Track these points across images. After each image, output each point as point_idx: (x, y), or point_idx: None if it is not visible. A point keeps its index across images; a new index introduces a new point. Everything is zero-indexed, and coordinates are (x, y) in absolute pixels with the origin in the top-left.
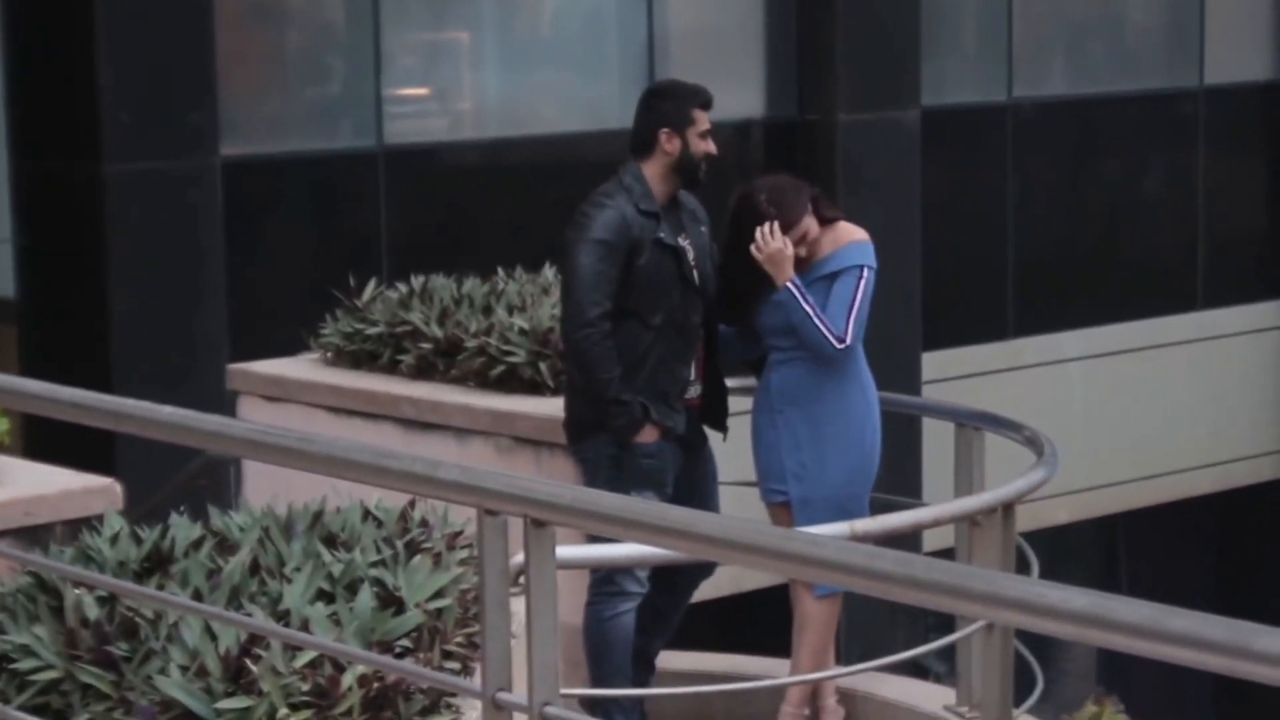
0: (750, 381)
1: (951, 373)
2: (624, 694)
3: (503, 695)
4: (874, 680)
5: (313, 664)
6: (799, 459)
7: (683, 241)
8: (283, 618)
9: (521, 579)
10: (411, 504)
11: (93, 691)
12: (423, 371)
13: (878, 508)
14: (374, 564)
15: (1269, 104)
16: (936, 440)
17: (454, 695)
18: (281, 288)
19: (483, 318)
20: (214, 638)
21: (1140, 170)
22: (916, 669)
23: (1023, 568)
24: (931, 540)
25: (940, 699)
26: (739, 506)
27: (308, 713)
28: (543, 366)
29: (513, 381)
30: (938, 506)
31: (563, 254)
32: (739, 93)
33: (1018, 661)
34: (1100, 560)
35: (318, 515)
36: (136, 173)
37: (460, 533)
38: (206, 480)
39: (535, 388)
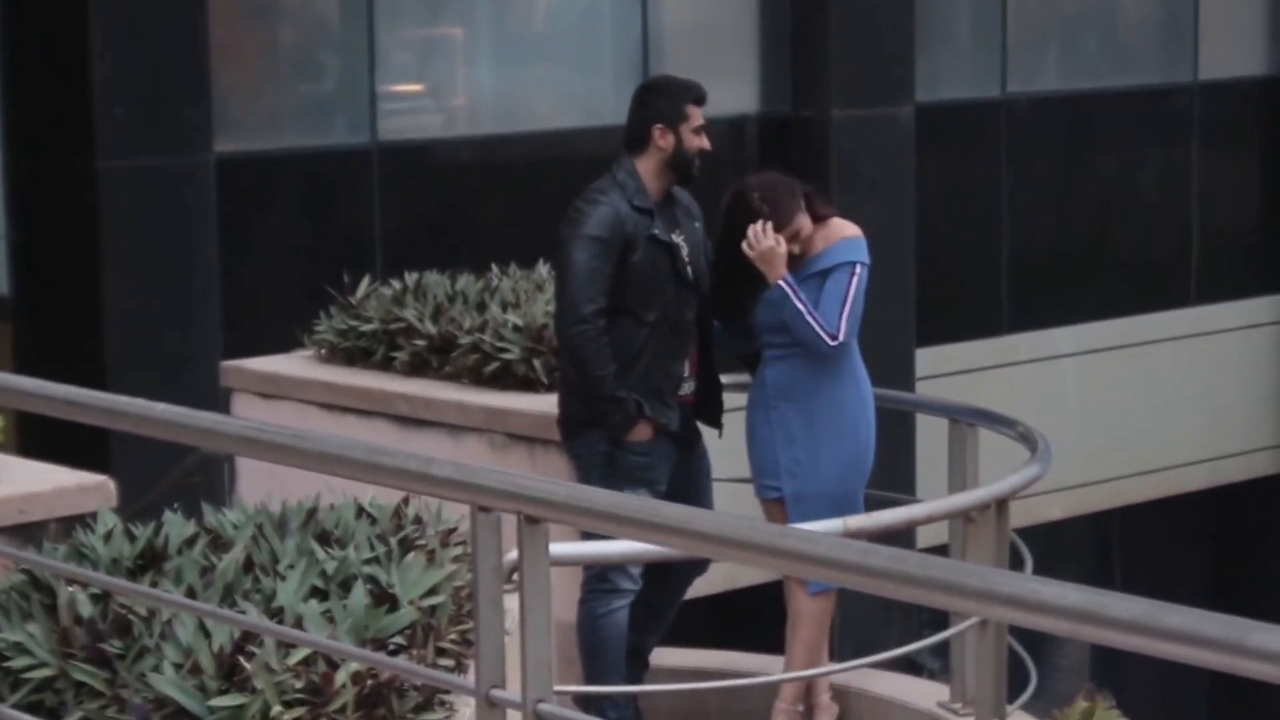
0: (744, 378)
1: (945, 369)
2: (618, 691)
3: (496, 692)
4: (868, 677)
5: (306, 661)
6: (793, 455)
7: (677, 238)
8: (276, 615)
9: (515, 576)
10: (405, 501)
11: (86, 689)
12: (417, 368)
13: (871, 504)
14: (368, 561)
15: (1263, 99)
16: (930, 436)
17: (448, 692)
18: (275, 284)
19: (477, 314)
20: (207, 635)
21: (1134, 166)
22: (910, 665)
23: (1016, 564)
24: (925, 537)
25: (934, 695)
26: (733, 503)
27: (301, 710)
28: (537, 363)
29: (507, 378)
30: (931, 503)
31: (557, 250)
32: (733, 88)
33: (1011, 658)
34: (1094, 556)
35: (311, 512)
36: (131, 169)
37: (454, 530)
38: (200, 477)
39: (529, 384)
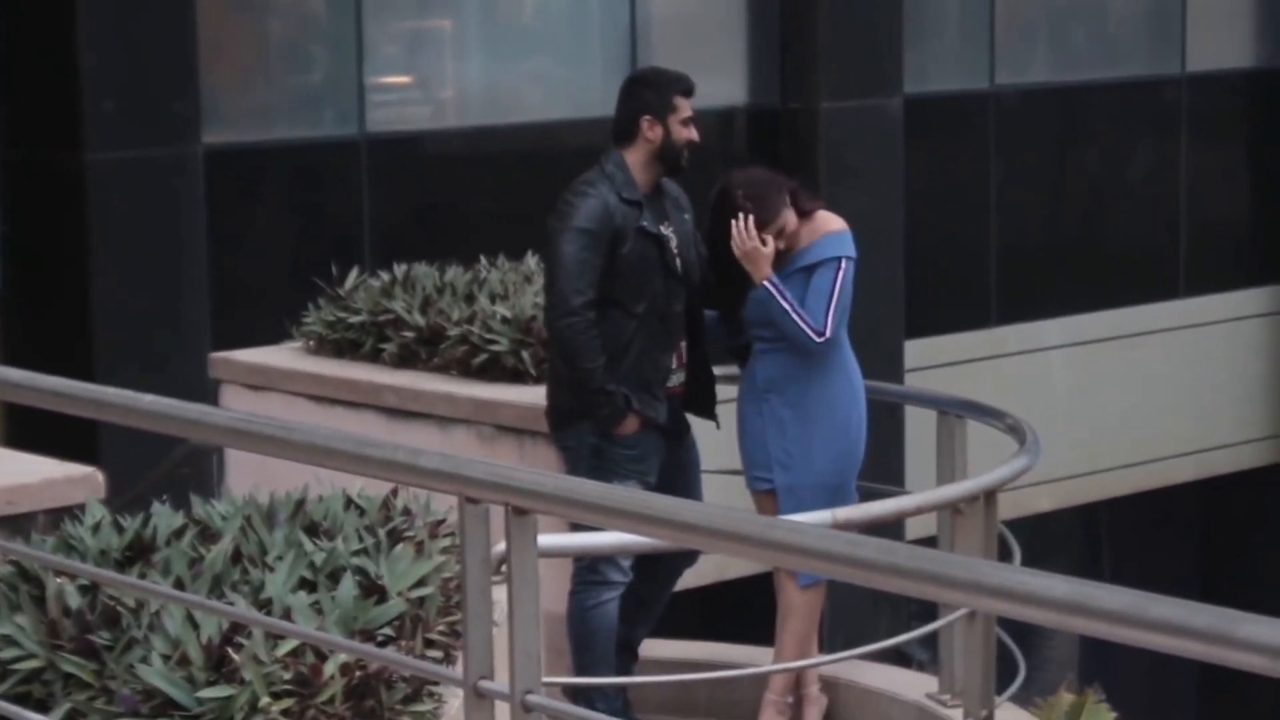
0: (734, 370)
1: (934, 361)
2: (607, 682)
3: (484, 684)
4: (857, 668)
5: (295, 652)
6: (784, 447)
7: (665, 230)
8: (265, 606)
9: (503, 567)
10: (394, 492)
11: (74, 680)
12: (405, 360)
13: (860, 495)
14: (356, 552)
15: (1251, 91)
16: (919, 428)
17: (436, 684)
18: (264, 276)
19: (465, 306)
20: (196, 626)
21: (1123, 158)
22: (899, 657)
23: (1005, 556)
24: (914, 528)
25: (922, 687)
26: (723, 495)
27: (289, 701)
28: (525, 355)
29: (495, 370)
30: (920, 494)
31: (546, 243)
32: (721, 80)
33: (1000, 649)
34: (1083, 548)
35: (300, 504)
36: (119, 161)
37: (443, 521)
38: (189, 469)
39: (518, 376)
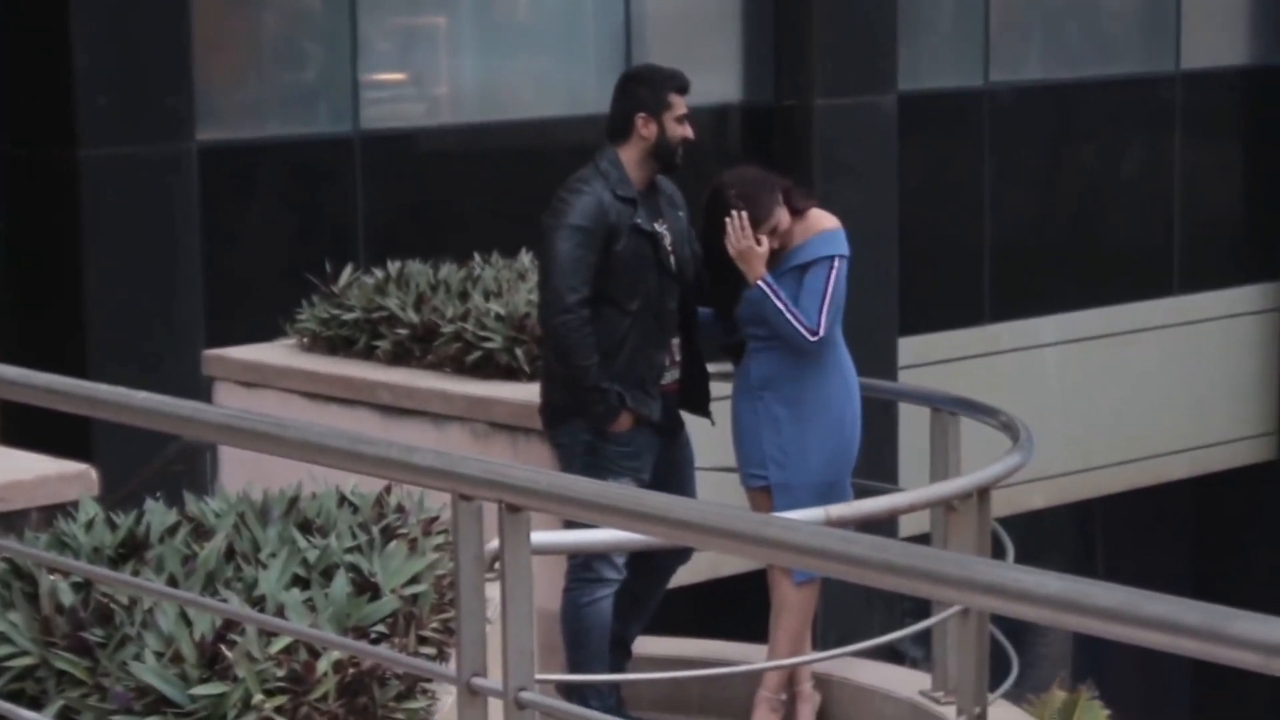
0: (728, 367)
1: (928, 358)
2: (600, 679)
3: (478, 680)
4: (850, 665)
5: (288, 650)
6: (779, 444)
7: (660, 227)
8: (258, 603)
9: (497, 564)
10: (387, 489)
11: (67, 678)
12: (399, 357)
13: (854, 492)
14: (349, 550)
15: (1246, 89)
16: (912, 425)
17: (429, 681)
18: (258, 273)
19: (459, 303)
20: (189, 624)
21: (1117, 155)
22: (892, 654)
23: (999, 553)
24: (907, 525)
25: (916, 684)
26: (717, 492)
27: (283, 698)
28: (519, 352)
29: (489, 367)
30: (913, 491)
31: (540, 240)
32: (716, 78)
33: (993, 647)
34: (1077, 545)
35: (293, 501)
36: (113, 158)
37: (436, 518)
38: (182, 466)
39: (511, 373)
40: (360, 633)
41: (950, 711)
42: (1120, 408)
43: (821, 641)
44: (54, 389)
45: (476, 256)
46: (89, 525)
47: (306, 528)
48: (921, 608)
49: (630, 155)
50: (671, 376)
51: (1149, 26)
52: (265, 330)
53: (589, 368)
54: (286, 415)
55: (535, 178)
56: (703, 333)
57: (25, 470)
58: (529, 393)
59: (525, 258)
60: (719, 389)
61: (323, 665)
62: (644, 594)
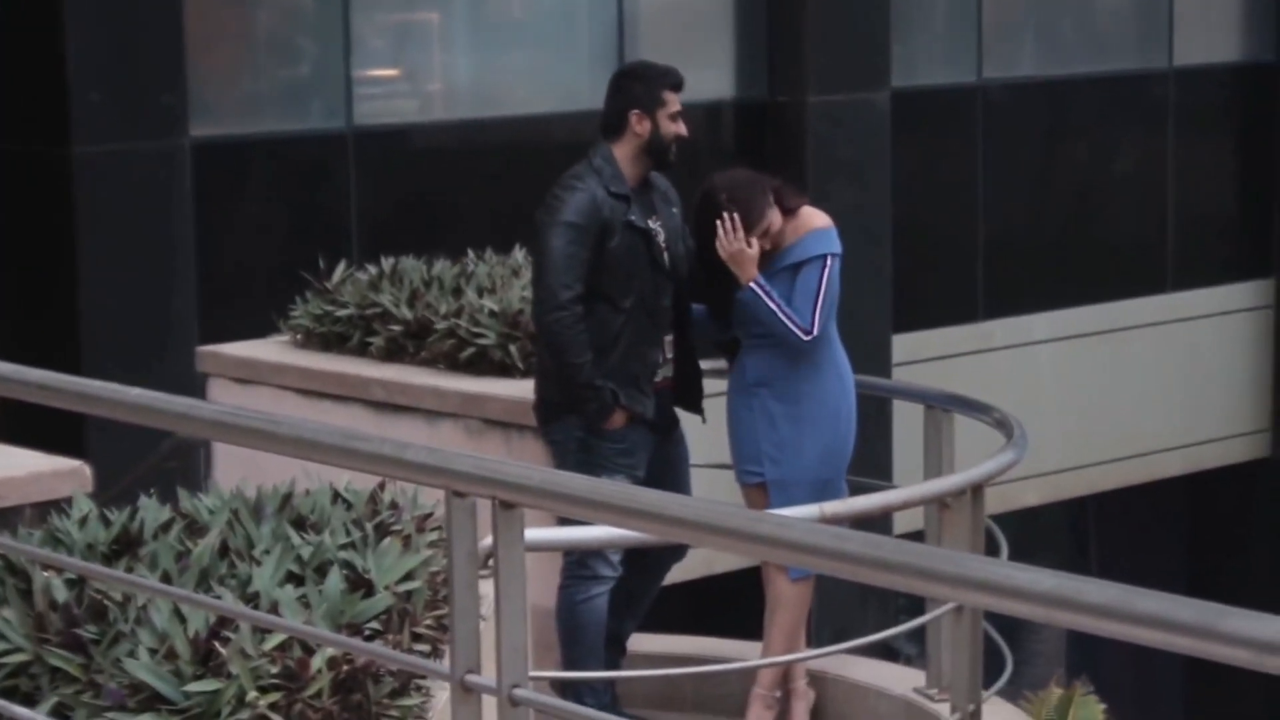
0: (722, 364)
1: (921, 355)
2: (594, 677)
3: (471, 677)
4: (844, 662)
5: (282, 647)
6: (775, 441)
7: (653, 224)
8: (252, 600)
9: (491, 561)
10: (381, 486)
11: (61, 674)
12: (393, 354)
13: (848, 489)
14: (343, 546)
15: (1238, 86)
16: (906, 422)
17: (423, 677)
18: (251, 269)
19: (453, 300)
20: (183, 620)
21: (1110, 152)
22: (887, 651)
23: (992, 550)
24: (902, 523)
25: (910, 681)
26: (712, 489)
27: (277, 695)
28: (513, 349)
29: (482, 364)
30: (907, 489)
31: (534, 237)
32: (709, 74)
33: (987, 644)
34: (1070, 542)
35: (287, 497)
36: (106, 154)
37: (430, 515)
38: (176, 463)
39: (505, 370)
40: (354, 629)
41: (944, 709)
42: (1114, 404)
43: (816, 639)
44: (48, 385)
45: (470, 253)
46: (83, 522)
47: (300, 524)
48: (916, 605)
49: (624, 152)
50: (665, 373)
51: (1142, 23)
52: (259, 326)
53: (582, 365)
54: (280, 412)
55: (529, 174)
56: (697, 329)
57: (19, 467)
58: (523, 389)
59: (519, 254)
60: (712, 385)
61: (317, 662)
62: (639, 591)
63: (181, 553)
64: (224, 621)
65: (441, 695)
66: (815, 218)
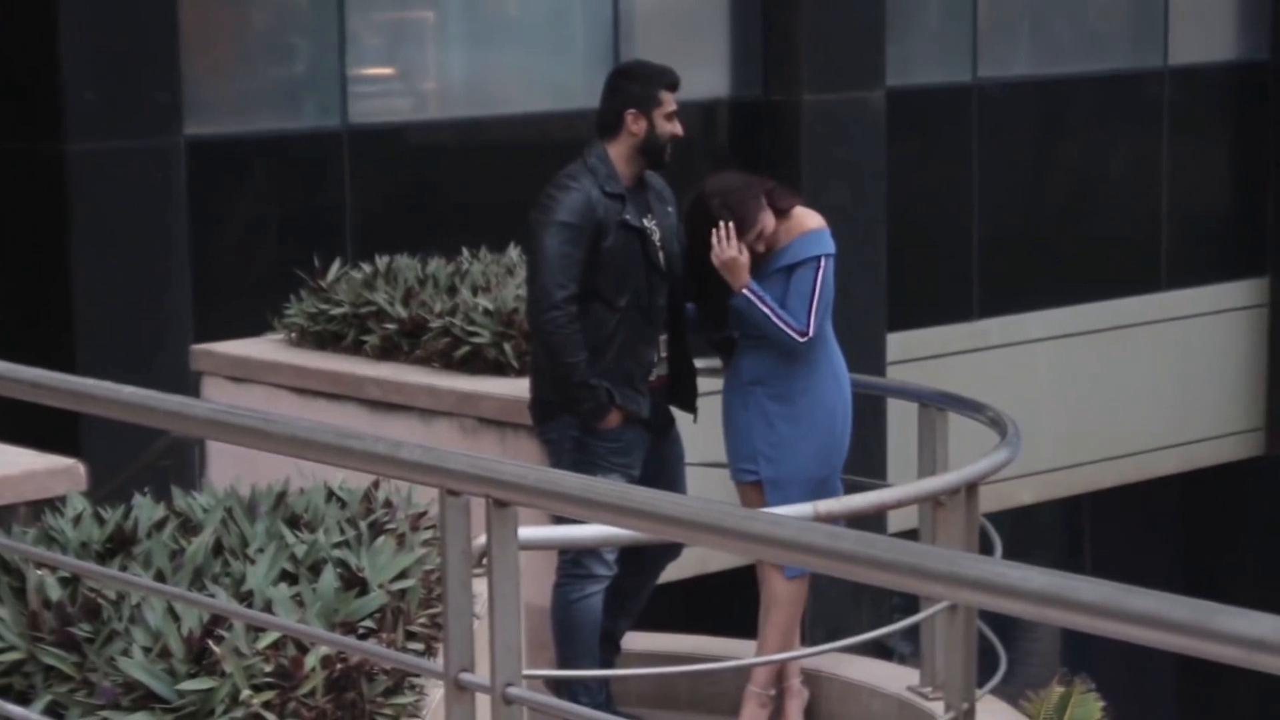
0: (716, 363)
1: (916, 353)
2: (588, 675)
3: (465, 676)
4: (838, 661)
5: (276, 645)
6: (771, 440)
7: (648, 223)
8: (246, 599)
9: (485, 560)
10: (375, 485)
11: (55, 673)
12: (387, 352)
13: (843, 488)
14: (337, 545)
15: (1233, 85)
16: (901, 421)
17: (417, 676)
18: (246, 268)
19: (447, 298)
20: (177, 619)
21: (1105, 151)
22: (881, 650)
23: (986, 549)
24: (896, 521)
25: (904, 680)
26: (707, 487)
27: (271, 694)
28: (507, 347)
29: (477, 362)
30: (901, 487)
31: (528, 236)
32: (704, 73)
33: (981, 642)
34: (1065, 541)
35: (281, 496)
36: (101, 152)
37: (424, 513)
38: (170, 461)
39: (500, 368)
40: (348, 628)
41: (938, 707)
42: (1108, 403)
43: (810, 637)
44: (42, 384)
45: (465, 251)
46: (77, 520)
47: (294, 523)
48: (910, 603)
49: (619, 151)
50: (659, 372)
51: (1137, 22)
52: (253, 325)
53: (577, 364)
54: (275, 410)
55: (523, 173)
56: (692, 328)
57: (12, 465)
58: (517, 388)
59: (513, 252)
60: (707, 385)
61: (310, 660)
62: (633, 589)
63: (175, 551)
64: (218, 620)
65: (435, 694)
66: (808, 219)
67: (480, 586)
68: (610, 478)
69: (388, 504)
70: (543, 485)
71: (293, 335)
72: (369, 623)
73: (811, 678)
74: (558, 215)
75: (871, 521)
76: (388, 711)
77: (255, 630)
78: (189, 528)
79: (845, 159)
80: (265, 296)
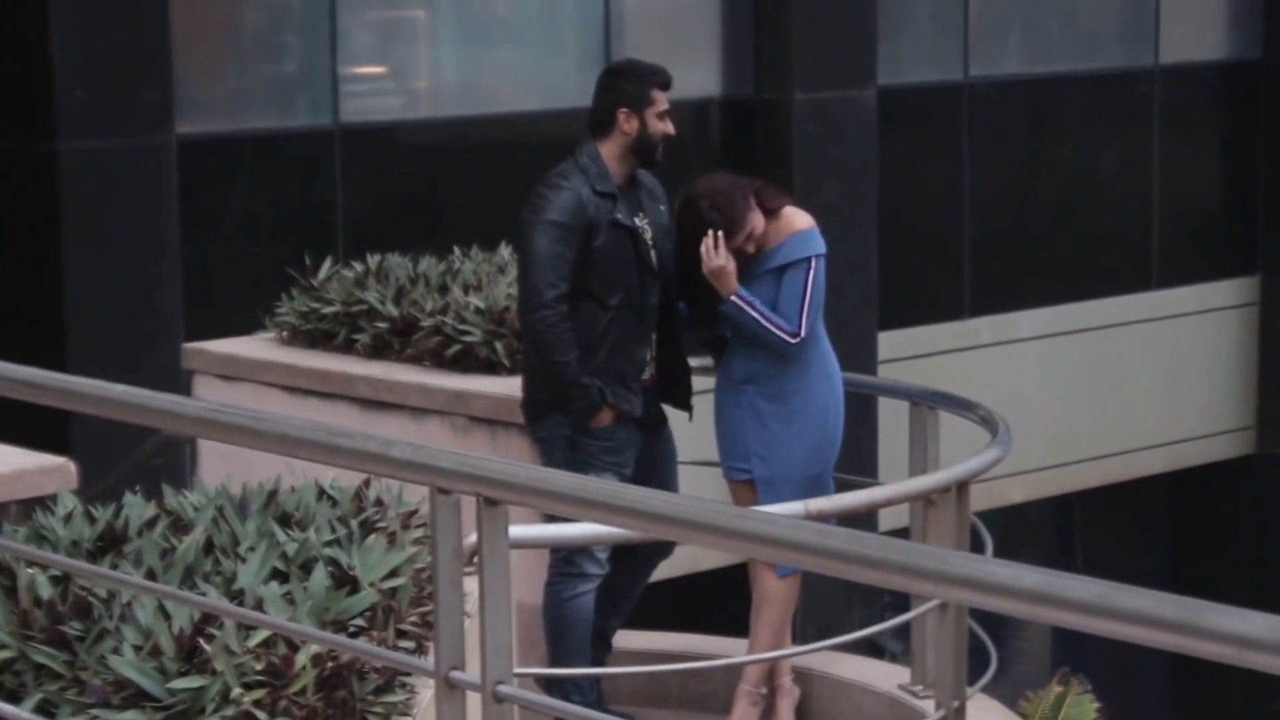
0: (709, 362)
1: (907, 352)
2: (579, 673)
3: (456, 674)
4: (830, 659)
5: (266, 643)
6: (763, 439)
7: (640, 222)
8: (237, 597)
9: (475, 558)
10: (366, 483)
11: (46, 671)
12: (378, 351)
13: (835, 487)
14: (328, 543)
15: (1224, 83)
16: (892, 419)
17: (408, 674)
18: (237, 266)
19: (438, 297)
20: (167, 617)
21: (1096, 150)
22: (872, 648)
23: (977, 547)
24: (887, 519)
25: (895, 678)
26: (699, 486)
27: (261, 692)
28: (498, 346)
29: (468, 361)
30: (893, 485)
31: (519, 235)
32: (696, 72)
33: (972, 641)
34: (1056, 539)
35: (272, 494)
36: (92, 150)
37: (415, 512)
38: (161, 459)
39: (491, 367)
40: (339, 626)
41: (929, 705)
42: (1099, 402)
43: (801, 635)
44: (32, 382)
45: (456, 250)
46: (67, 518)
47: (285, 521)
48: (901, 602)
49: (611, 150)
50: (651, 370)
51: (1128, 21)
52: (244, 324)
53: (568, 363)
54: (265, 409)
55: (515, 172)
56: (685, 327)
57: (3, 463)
58: (508, 386)
59: (505, 251)
60: (699, 383)
61: (301, 659)
62: (625, 588)
63: (166, 549)
64: (208, 618)
65: (426, 692)
66: (798, 219)
67: (471, 585)
68: (602, 476)
69: (379, 502)
70: (534, 484)
71: (284, 334)
72: (360, 621)
73: (803, 676)
74: (548, 214)
75: (863, 520)
76: (378, 709)
77: (246, 628)
78: (180, 526)
79: (837, 157)
80: (257, 295)
